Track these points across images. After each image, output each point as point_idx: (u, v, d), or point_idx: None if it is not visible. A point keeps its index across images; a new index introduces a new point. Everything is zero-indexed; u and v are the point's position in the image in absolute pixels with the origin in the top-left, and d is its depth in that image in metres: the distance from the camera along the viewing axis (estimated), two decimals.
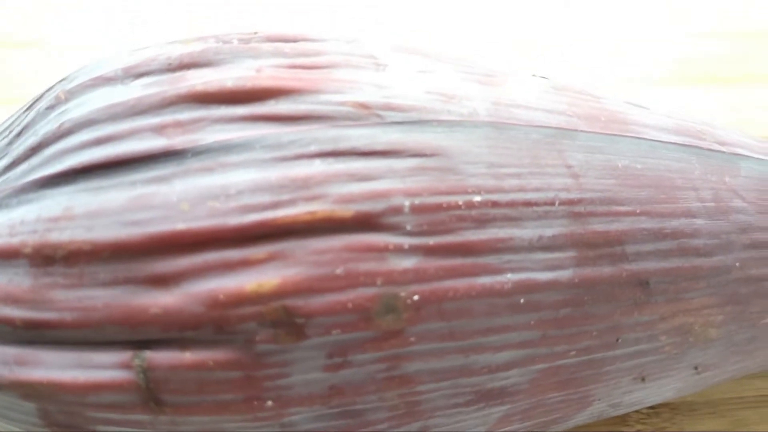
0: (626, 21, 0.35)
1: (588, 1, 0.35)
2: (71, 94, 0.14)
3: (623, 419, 0.22)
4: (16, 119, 0.15)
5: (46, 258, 0.12)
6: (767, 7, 0.35)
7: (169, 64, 0.14)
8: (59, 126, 0.13)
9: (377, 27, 0.33)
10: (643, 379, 0.16)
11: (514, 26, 0.34)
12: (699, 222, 0.16)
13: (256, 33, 0.15)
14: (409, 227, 0.13)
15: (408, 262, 0.13)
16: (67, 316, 0.12)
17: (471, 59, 0.17)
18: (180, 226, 0.12)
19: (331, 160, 0.13)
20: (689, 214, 0.16)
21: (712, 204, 0.16)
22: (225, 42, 0.15)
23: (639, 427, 0.22)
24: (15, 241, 0.12)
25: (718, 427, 0.22)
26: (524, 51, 0.33)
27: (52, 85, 0.15)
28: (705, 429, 0.22)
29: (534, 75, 0.18)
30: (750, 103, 0.31)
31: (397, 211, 0.13)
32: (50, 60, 0.29)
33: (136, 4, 0.32)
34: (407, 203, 0.13)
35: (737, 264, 0.16)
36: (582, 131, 0.16)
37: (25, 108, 0.15)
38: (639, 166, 0.16)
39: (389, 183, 0.13)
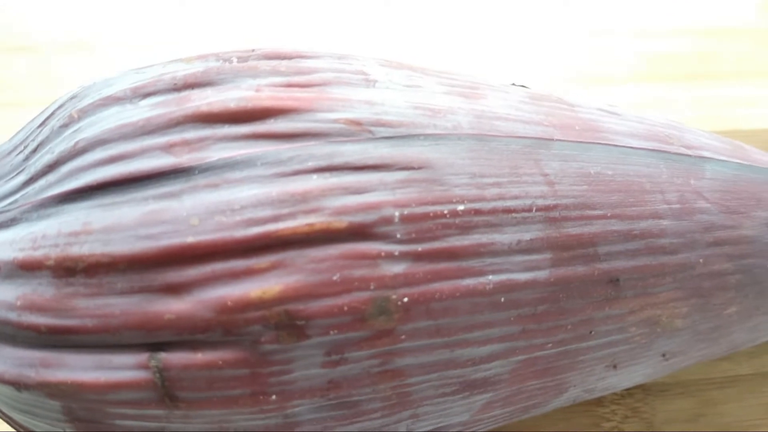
0: (594, 18, 0.36)
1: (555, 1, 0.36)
2: (83, 113, 0.15)
3: (599, 401, 0.24)
4: (29, 134, 0.16)
5: (68, 270, 0.13)
6: (730, 6, 0.36)
7: (175, 84, 0.15)
8: (74, 144, 0.14)
9: (368, 27, 0.34)
10: (614, 367, 0.18)
11: (483, 24, 0.35)
12: (665, 223, 0.17)
13: (253, 50, 0.16)
14: (399, 235, 0.14)
15: (398, 268, 0.14)
16: (88, 323, 0.13)
17: (454, 71, 0.18)
18: (190, 239, 0.13)
19: (326, 174, 0.14)
20: (656, 215, 0.17)
21: (678, 205, 0.17)
22: (225, 60, 0.16)
23: (613, 407, 0.24)
24: (38, 254, 0.14)
25: (688, 406, 0.24)
26: (495, 49, 0.34)
27: (62, 102, 0.16)
28: (675, 408, 0.24)
29: (513, 84, 0.19)
30: (713, 99, 0.32)
31: (388, 221, 0.14)
32: (45, 64, 0.29)
33: (126, 7, 0.32)
34: (397, 213, 0.14)
35: (701, 260, 0.18)
36: (558, 140, 0.17)
37: (38, 124, 0.16)
38: (610, 172, 0.17)
39: (380, 195, 0.14)
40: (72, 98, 0.16)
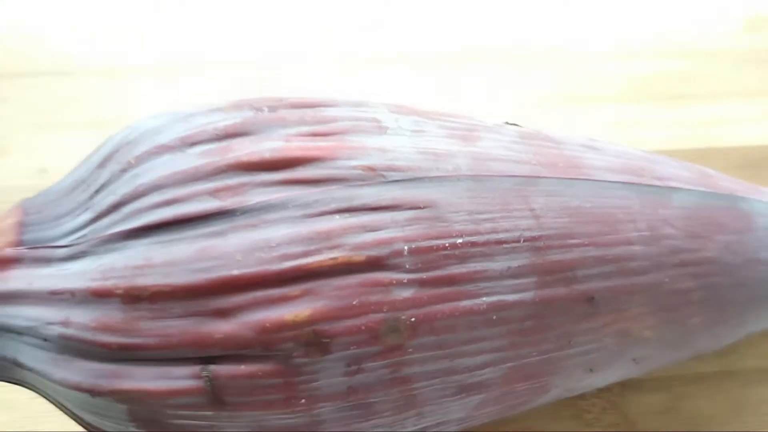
0: (579, 39, 0.38)
1: (540, 21, 0.38)
2: (139, 160, 0.17)
3: (581, 395, 0.27)
4: (90, 174, 0.18)
5: (135, 297, 0.16)
6: (711, 29, 0.38)
7: (216, 134, 0.18)
8: (135, 188, 0.17)
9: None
10: (591, 371, 0.21)
11: (470, 44, 0.37)
12: (636, 248, 0.20)
13: (281, 100, 0.19)
14: (407, 266, 0.17)
15: (407, 293, 0.17)
16: (151, 341, 0.16)
17: (453, 113, 0.21)
18: (235, 272, 0.16)
19: (346, 215, 0.17)
20: (628, 242, 0.20)
21: (647, 233, 0.20)
22: (257, 110, 0.19)
23: (594, 400, 0.27)
24: (108, 284, 0.16)
25: (660, 400, 0.27)
26: (483, 69, 0.36)
27: (117, 145, 0.18)
28: (649, 402, 0.27)
29: (507, 122, 0.22)
30: (692, 119, 0.35)
31: (399, 254, 0.17)
32: (82, 88, 0.32)
33: (156, 34, 0.35)
34: (406, 247, 0.17)
35: (667, 280, 0.20)
36: (544, 177, 0.19)
37: (96, 164, 0.18)
38: (589, 205, 0.20)
39: (392, 232, 0.17)
40: (127, 143, 0.18)
